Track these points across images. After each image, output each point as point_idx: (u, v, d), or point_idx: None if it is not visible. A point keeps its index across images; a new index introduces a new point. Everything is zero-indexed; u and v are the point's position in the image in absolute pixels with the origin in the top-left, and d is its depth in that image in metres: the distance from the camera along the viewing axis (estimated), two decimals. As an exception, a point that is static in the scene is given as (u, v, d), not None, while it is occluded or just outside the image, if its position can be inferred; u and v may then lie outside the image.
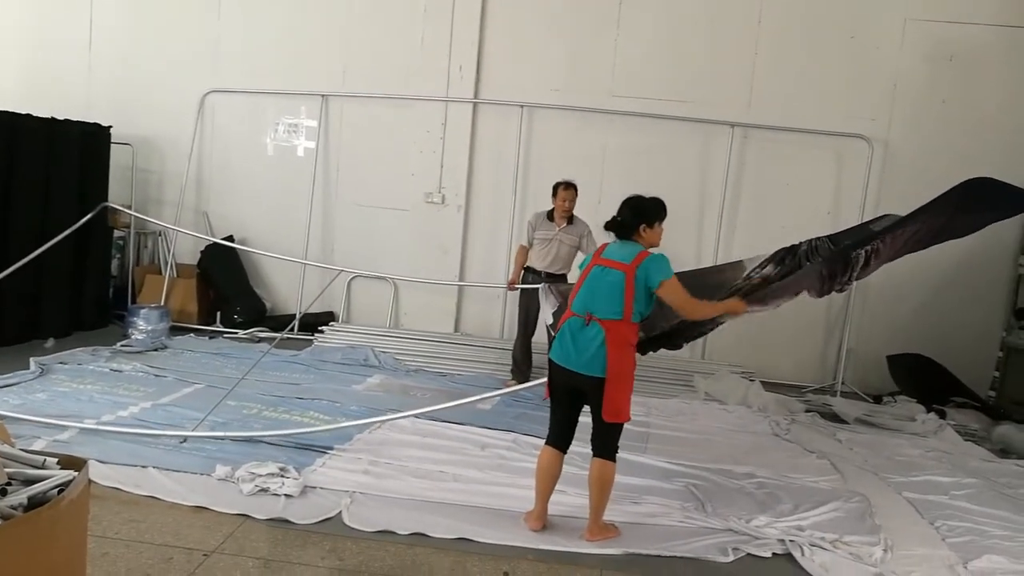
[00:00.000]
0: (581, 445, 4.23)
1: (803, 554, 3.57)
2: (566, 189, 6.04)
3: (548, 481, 3.67)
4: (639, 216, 3.62)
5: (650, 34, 7.36)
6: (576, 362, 3.47)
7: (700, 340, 7.38)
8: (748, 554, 3.57)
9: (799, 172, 7.32)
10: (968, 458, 5.35)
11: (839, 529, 3.82)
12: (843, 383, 7.15)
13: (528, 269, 6.18)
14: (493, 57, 7.53)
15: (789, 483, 4.50)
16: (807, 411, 6.25)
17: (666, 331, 4.05)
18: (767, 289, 4.00)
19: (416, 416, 4.88)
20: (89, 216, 6.69)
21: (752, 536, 3.73)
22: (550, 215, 6.13)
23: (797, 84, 7.24)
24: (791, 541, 3.67)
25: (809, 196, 7.29)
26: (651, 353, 4.17)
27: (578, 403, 3.64)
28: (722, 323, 3.99)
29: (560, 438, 3.68)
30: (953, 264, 7.16)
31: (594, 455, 3.58)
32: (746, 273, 4.33)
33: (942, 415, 6.23)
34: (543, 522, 3.69)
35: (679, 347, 4.34)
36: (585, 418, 3.66)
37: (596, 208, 6.22)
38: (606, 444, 3.56)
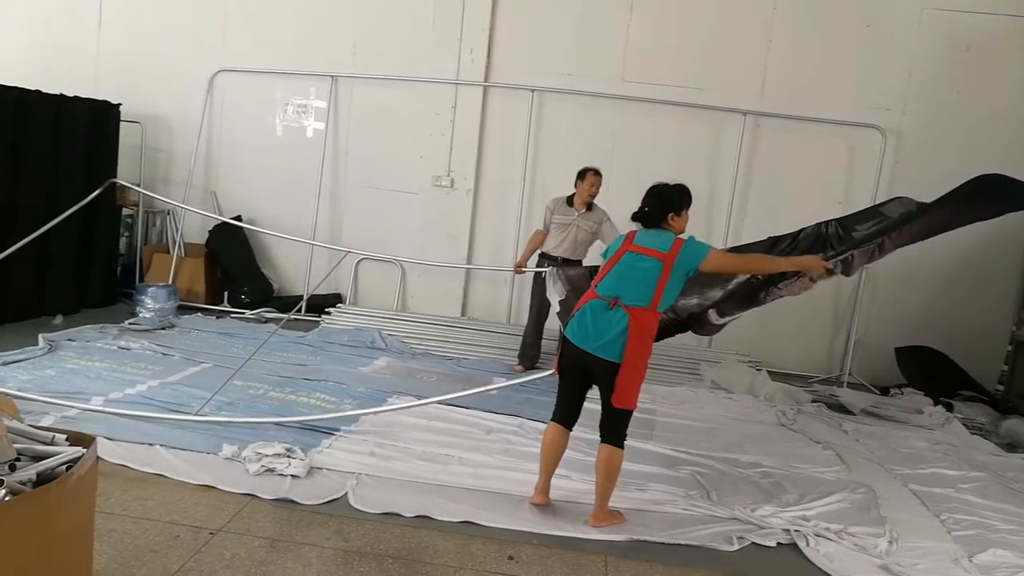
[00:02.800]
0: (587, 431, 4.23)
1: (808, 544, 3.56)
2: (596, 175, 5.98)
3: (553, 456, 3.69)
4: (667, 206, 3.59)
5: (663, 20, 7.30)
6: (593, 344, 3.46)
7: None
8: (753, 543, 3.57)
9: (811, 161, 7.27)
10: (975, 452, 5.33)
11: (844, 520, 3.81)
12: (850, 374, 7.13)
13: (544, 255, 6.13)
14: (504, 40, 7.48)
15: (795, 473, 4.49)
16: (813, 401, 6.24)
17: (697, 313, 4.01)
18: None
19: (436, 403, 4.83)
20: (97, 192, 6.67)
21: (757, 525, 3.73)
22: (569, 200, 6.07)
23: (810, 72, 7.18)
24: (796, 531, 3.66)
25: (820, 185, 7.24)
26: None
27: (586, 383, 3.65)
28: (781, 295, 3.72)
29: (566, 415, 3.70)
30: (962, 256, 7.13)
31: (602, 441, 3.58)
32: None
33: (949, 408, 6.21)
34: (546, 497, 3.71)
35: (711, 331, 4.26)
36: (593, 405, 3.65)
37: (604, 194, 6.18)
38: (615, 430, 3.56)
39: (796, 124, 7.17)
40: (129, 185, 7.34)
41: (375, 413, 4.73)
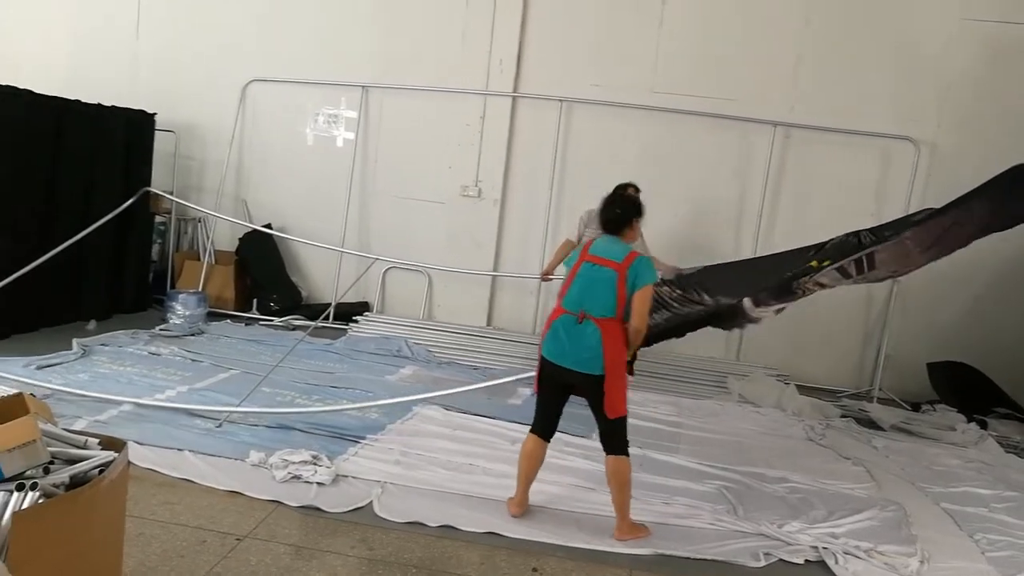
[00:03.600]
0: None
1: (836, 562, 3.51)
2: (636, 191, 5.95)
3: (531, 467, 3.72)
4: (635, 210, 3.73)
5: (692, 31, 7.27)
6: (572, 360, 3.49)
7: (737, 339, 7.33)
8: (780, 560, 3.53)
9: (842, 173, 7.19)
10: (1009, 470, 5.21)
11: (874, 538, 3.75)
12: (880, 389, 7.02)
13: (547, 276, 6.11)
14: (533, 51, 7.50)
15: (823, 489, 4.43)
16: (843, 416, 6.15)
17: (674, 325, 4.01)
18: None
19: (436, 401, 4.86)
20: (131, 201, 6.82)
21: (784, 542, 3.67)
22: None
23: (842, 83, 7.10)
24: (824, 548, 3.61)
25: (852, 198, 7.15)
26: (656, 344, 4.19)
27: (565, 395, 3.69)
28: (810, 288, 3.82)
29: (545, 428, 3.75)
30: (996, 270, 7.00)
31: (607, 453, 3.61)
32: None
33: (983, 425, 6.08)
34: (524, 508, 3.73)
35: (744, 323, 4.23)
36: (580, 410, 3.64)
37: (633, 205, 6.13)
38: (615, 439, 3.60)
39: (827, 136, 7.10)
40: (162, 193, 7.50)
41: (410, 401, 4.75)
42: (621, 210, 3.71)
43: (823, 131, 7.07)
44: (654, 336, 4.07)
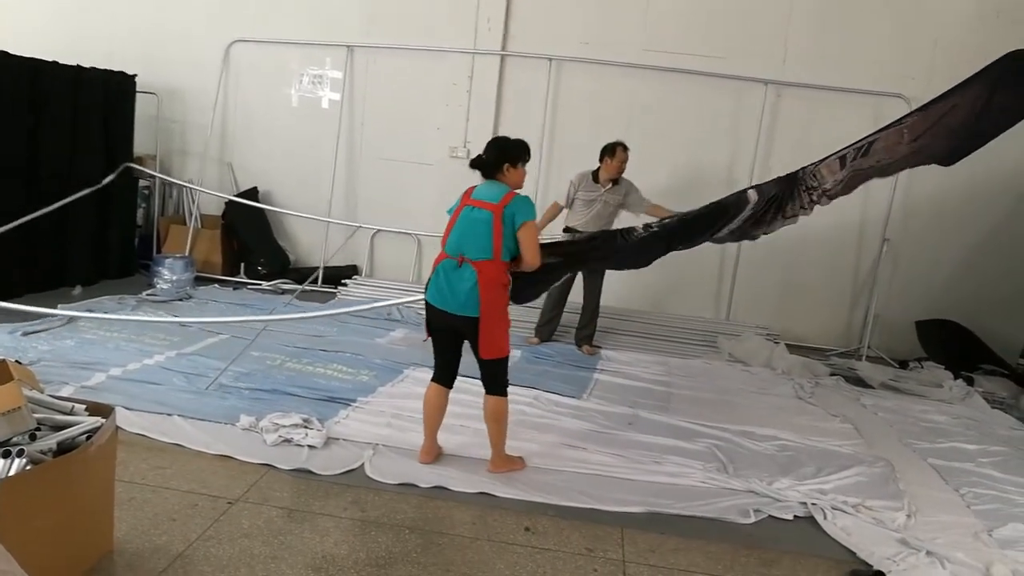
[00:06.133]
0: (603, 403, 4.22)
1: (825, 517, 3.54)
2: (625, 150, 5.86)
3: (435, 416, 3.78)
4: (503, 154, 3.68)
5: (683, -14, 7.15)
6: (451, 303, 3.52)
7: (727, 299, 7.35)
8: (769, 516, 3.56)
9: (833, 131, 7.10)
10: (996, 426, 5.27)
11: (862, 493, 3.79)
12: (869, 347, 7.06)
13: (568, 230, 6.05)
14: (521, 9, 7.36)
15: (812, 446, 4.46)
16: (831, 375, 6.19)
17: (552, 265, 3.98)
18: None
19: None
20: (111, 178, 6.78)
21: (774, 498, 3.71)
22: (595, 176, 5.95)
23: (834, 40, 7.02)
24: (813, 504, 3.64)
25: (842, 156, 7.10)
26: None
27: (457, 342, 3.70)
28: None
29: (444, 375, 3.77)
30: (987, 229, 7.02)
31: (486, 392, 3.68)
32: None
33: (970, 382, 6.14)
34: (433, 455, 3.80)
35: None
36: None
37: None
38: (493, 380, 3.66)
39: (818, 93, 7.04)
40: (143, 170, 7.42)
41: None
42: (487, 155, 3.69)
43: (814, 88, 7.01)
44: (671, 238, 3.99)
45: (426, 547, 3.01)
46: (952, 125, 3.72)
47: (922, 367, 6.55)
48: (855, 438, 4.72)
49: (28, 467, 2.26)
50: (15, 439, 2.38)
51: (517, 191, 3.63)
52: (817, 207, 4.00)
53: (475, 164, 3.73)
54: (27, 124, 6.28)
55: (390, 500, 3.37)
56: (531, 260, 3.55)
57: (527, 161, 3.77)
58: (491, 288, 3.48)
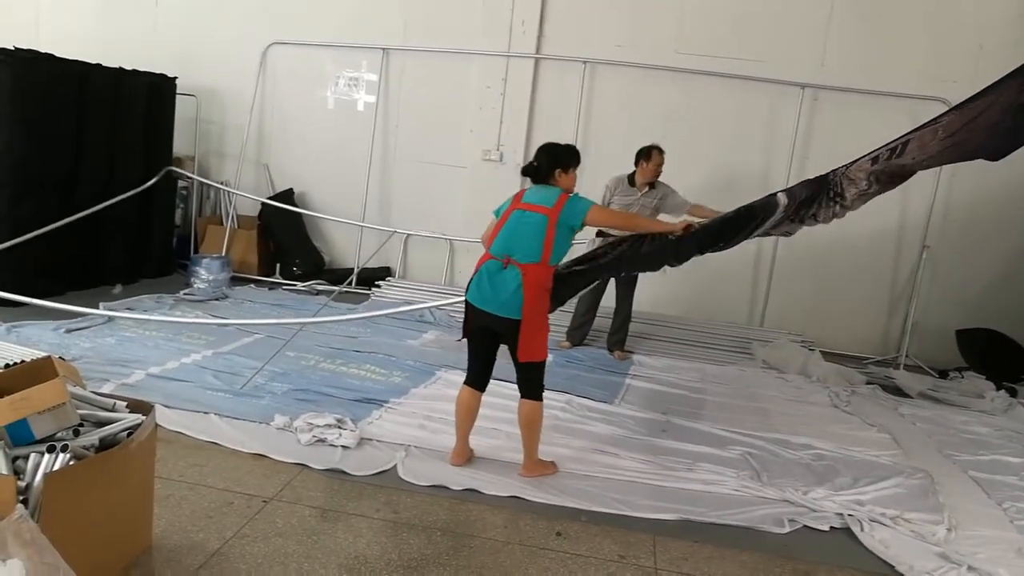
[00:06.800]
0: (633, 409, 4.17)
1: (862, 529, 3.48)
2: (660, 154, 5.80)
3: (467, 418, 3.77)
4: (555, 161, 3.70)
5: (720, -11, 7.09)
6: (493, 304, 3.50)
7: (762, 305, 7.26)
8: (805, 526, 3.50)
9: (872, 136, 6.97)
10: (1039, 438, 5.15)
11: (900, 505, 3.71)
12: (907, 356, 6.93)
13: (600, 234, 6.01)
14: (556, 11, 7.36)
15: (848, 456, 4.39)
16: (868, 383, 6.08)
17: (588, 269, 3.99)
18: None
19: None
20: (153, 181, 6.94)
21: (809, 508, 3.65)
22: (631, 179, 5.89)
23: (874, 43, 6.91)
24: (850, 515, 3.58)
25: (881, 162, 6.99)
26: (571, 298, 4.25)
27: (494, 344, 3.69)
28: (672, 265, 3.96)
29: (478, 378, 3.76)
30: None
31: (521, 396, 3.65)
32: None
33: (1013, 393, 5.99)
34: (464, 457, 3.79)
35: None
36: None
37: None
38: (530, 384, 3.63)
39: (857, 98, 6.93)
40: (182, 172, 7.55)
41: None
42: (538, 161, 3.72)
43: (853, 92, 6.90)
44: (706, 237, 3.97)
45: (457, 550, 3.01)
46: (992, 119, 3.61)
47: (962, 377, 6.41)
48: (893, 448, 4.63)
49: (72, 462, 2.30)
50: (59, 434, 2.43)
51: (568, 194, 3.63)
52: (836, 219, 3.93)
53: (527, 171, 3.75)
54: (71, 125, 6.41)
55: (422, 502, 3.37)
56: (626, 224, 3.80)
57: (577, 166, 3.77)
58: (535, 291, 3.47)
